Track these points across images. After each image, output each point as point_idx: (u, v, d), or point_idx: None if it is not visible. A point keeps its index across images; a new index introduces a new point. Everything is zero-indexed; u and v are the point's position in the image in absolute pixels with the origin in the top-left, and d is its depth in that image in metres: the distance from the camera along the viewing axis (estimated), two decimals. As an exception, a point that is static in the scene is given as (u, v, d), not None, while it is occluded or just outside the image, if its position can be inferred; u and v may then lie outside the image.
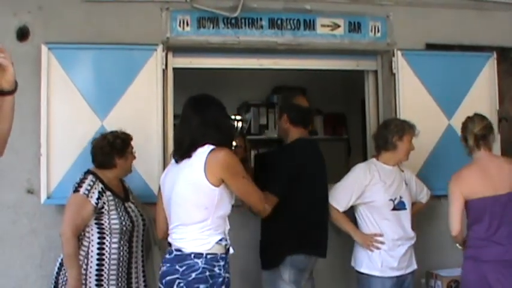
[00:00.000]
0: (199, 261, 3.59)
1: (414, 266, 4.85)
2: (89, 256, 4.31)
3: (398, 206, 4.76)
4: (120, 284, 4.38)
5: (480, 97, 5.69)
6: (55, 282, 4.37)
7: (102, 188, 4.36)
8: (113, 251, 4.34)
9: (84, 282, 4.26)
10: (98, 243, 4.32)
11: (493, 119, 5.62)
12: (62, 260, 4.33)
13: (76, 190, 4.32)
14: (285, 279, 4.67)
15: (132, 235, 4.45)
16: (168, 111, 5.30)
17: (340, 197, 4.78)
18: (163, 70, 5.24)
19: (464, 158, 4.65)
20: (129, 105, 5.10)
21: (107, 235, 4.33)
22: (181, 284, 3.58)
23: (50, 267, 4.47)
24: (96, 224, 4.32)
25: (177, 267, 3.63)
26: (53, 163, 4.98)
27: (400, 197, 4.78)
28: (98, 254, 4.31)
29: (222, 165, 3.60)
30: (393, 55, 5.59)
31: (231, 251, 3.76)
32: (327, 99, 8.08)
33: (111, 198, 4.39)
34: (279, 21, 5.50)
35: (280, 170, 4.74)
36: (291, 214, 4.67)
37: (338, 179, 5.09)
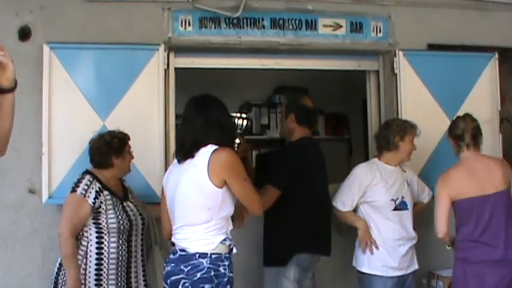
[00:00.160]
0: (204, 261, 3.59)
1: (415, 266, 4.84)
2: (88, 256, 4.32)
3: (400, 206, 4.75)
4: (119, 284, 4.39)
5: (482, 97, 5.68)
6: (55, 282, 4.38)
7: (99, 188, 4.37)
8: (112, 250, 4.35)
9: (83, 282, 4.27)
10: (97, 242, 4.33)
11: (495, 120, 5.65)
12: (61, 260, 4.34)
13: (73, 190, 4.34)
14: (289, 277, 4.71)
15: (130, 234, 4.46)
16: (170, 111, 5.31)
17: (344, 199, 4.78)
18: (165, 70, 5.24)
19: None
20: (131, 105, 5.10)
21: (105, 234, 4.34)
22: (187, 284, 3.59)
23: (51, 266, 4.47)
24: (94, 223, 4.34)
25: (182, 267, 3.62)
26: (55, 163, 4.98)
27: (402, 197, 4.78)
28: (96, 253, 4.32)
29: (224, 165, 3.60)
30: (395, 55, 5.59)
31: (234, 250, 3.76)
32: (328, 99, 8.06)
33: (108, 197, 4.39)
34: (280, 21, 5.50)
35: (284, 165, 4.80)
36: (296, 212, 4.73)
37: (339, 179, 5.10)
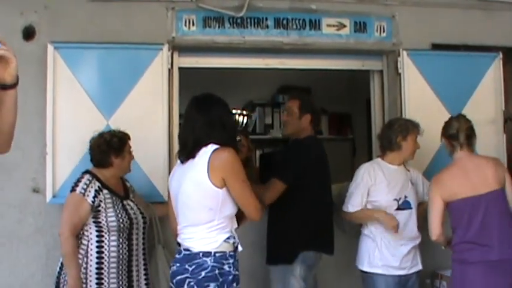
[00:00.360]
0: (208, 259, 3.59)
1: (419, 267, 4.83)
2: (89, 255, 4.33)
3: (403, 206, 4.75)
4: (120, 282, 4.40)
5: (486, 97, 5.68)
6: (57, 282, 4.40)
7: (98, 187, 4.38)
8: (112, 249, 4.36)
9: (84, 280, 4.29)
10: (97, 241, 4.35)
11: (499, 120, 5.65)
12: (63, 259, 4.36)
13: (73, 190, 4.37)
14: (295, 275, 4.73)
15: (131, 233, 4.47)
16: (174, 110, 5.32)
17: (351, 201, 4.77)
18: (169, 70, 5.25)
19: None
20: (135, 104, 5.11)
21: (105, 233, 4.35)
22: (192, 283, 3.59)
23: (55, 266, 4.47)
24: (94, 222, 4.35)
25: (186, 266, 3.63)
26: (59, 162, 5.00)
27: (405, 197, 4.77)
28: (97, 252, 4.34)
29: (223, 164, 3.59)
30: (399, 55, 5.59)
31: (240, 248, 3.75)
32: (332, 99, 8.07)
33: (108, 196, 4.41)
34: (284, 21, 5.50)
35: (291, 162, 4.84)
36: (301, 210, 4.77)
37: (343, 179, 5.13)
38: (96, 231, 4.35)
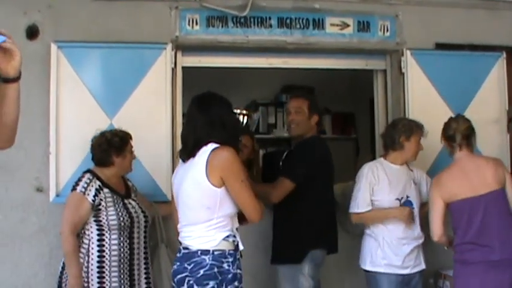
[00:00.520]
0: (206, 257, 3.59)
1: (422, 266, 4.83)
2: (90, 254, 4.35)
3: (405, 205, 4.75)
4: (122, 281, 4.41)
5: (489, 97, 5.68)
6: (59, 282, 4.41)
7: (99, 186, 4.40)
8: (113, 247, 4.37)
9: (86, 279, 4.31)
10: (98, 240, 4.37)
11: (503, 119, 5.64)
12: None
13: (73, 189, 4.39)
14: (304, 274, 4.77)
15: (132, 231, 4.48)
16: (177, 110, 5.32)
17: (359, 201, 4.75)
18: (173, 69, 5.25)
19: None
20: (138, 104, 5.11)
21: (106, 231, 4.37)
22: (191, 282, 3.59)
23: (58, 265, 4.47)
24: (94, 221, 4.37)
25: (185, 265, 3.63)
26: (62, 161, 5.00)
27: (407, 197, 4.77)
28: (98, 251, 4.36)
29: (222, 164, 3.58)
30: (402, 54, 5.59)
31: (241, 247, 3.74)
32: (335, 98, 8.07)
33: (108, 195, 4.42)
34: (288, 20, 5.49)
35: (300, 161, 4.86)
36: (309, 209, 4.81)
37: (346, 179, 5.14)
38: (97, 229, 4.37)
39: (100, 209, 4.36)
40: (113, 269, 4.36)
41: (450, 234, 4.56)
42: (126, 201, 4.53)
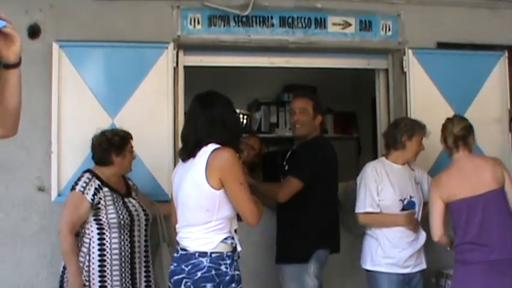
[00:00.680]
0: (204, 260, 3.57)
1: (423, 266, 4.83)
2: (91, 252, 4.36)
3: (408, 206, 4.75)
4: (124, 279, 4.42)
5: (491, 96, 5.68)
6: (60, 281, 4.42)
7: (98, 185, 4.41)
8: (114, 246, 4.38)
9: (87, 278, 4.33)
10: (98, 239, 4.38)
11: (504, 119, 5.63)
12: None
13: (72, 188, 4.41)
14: (310, 273, 4.78)
15: (132, 229, 4.49)
16: (179, 109, 5.32)
17: (367, 201, 4.74)
18: (174, 68, 5.26)
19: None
20: (140, 103, 5.11)
21: (106, 230, 4.38)
22: (188, 283, 3.58)
23: (60, 264, 4.47)
24: (94, 220, 4.39)
25: (183, 266, 3.62)
26: (64, 161, 5.01)
27: (410, 197, 4.77)
28: (99, 249, 4.37)
29: (221, 165, 3.55)
30: (404, 54, 5.59)
31: (239, 248, 3.72)
32: (337, 97, 8.06)
33: (108, 194, 4.43)
34: (290, 20, 5.50)
35: (309, 161, 4.87)
36: (315, 209, 4.84)
37: (348, 178, 5.13)
38: (98, 228, 4.38)
39: (99, 208, 4.37)
40: (114, 267, 4.37)
41: (451, 234, 4.55)
42: (126, 199, 4.54)
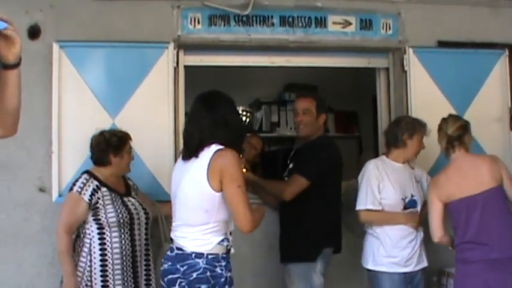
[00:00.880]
0: (200, 261, 3.57)
1: (424, 264, 4.82)
2: (92, 252, 4.38)
3: (409, 205, 4.75)
4: (125, 278, 4.43)
5: (492, 94, 5.67)
6: (62, 282, 4.40)
7: (96, 185, 4.42)
8: (115, 245, 4.40)
9: (89, 277, 4.35)
10: (99, 238, 4.39)
11: (505, 117, 5.62)
12: None
13: (70, 189, 4.44)
14: (317, 271, 4.80)
15: (132, 228, 4.49)
16: (180, 109, 5.32)
17: (368, 198, 4.73)
18: (175, 68, 5.27)
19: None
20: (141, 103, 5.12)
21: (106, 229, 4.39)
22: (183, 284, 3.57)
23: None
24: (94, 220, 4.40)
25: (178, 266, 3.61)
26: (65, 161, 5.02)
27: (412, 196, 4.77)
28: (100, 249, 4.38)
29: (222, 165, 3.54)
30: (405, 52, 5.58)
31: (232, 251, 3.74)
32: (338, 97, 8.06)
33: (106, 193, 4.44)
34: (290, 19, 5.49)
35: (314, 160, 4.88)
36: (321, 208, 4.85)
37: (349, 177, 5.13)
38: (98, 228, 4.39)
39: (98, 208, 4.38)
40: (116, 266, 4.38)
41: (451, 234, 4.55)
42: (125, 198, 4.55)
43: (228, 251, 3.71)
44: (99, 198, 4.38)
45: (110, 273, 4.36)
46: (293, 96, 7.99)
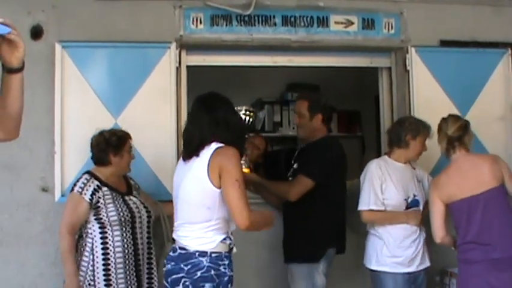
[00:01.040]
0: (204, 259, 3.59)
1: (427, 264, 4.82)
2: (94, 252, 4.39)
3: (412, 205, 4.76)
4: (128, 277, 4.44)
5: (494, 94, 5.66)
6: (64, 281, 4.40)
7: (97, 185, 4.43)
8: (117, 243, 4.41)
9: (92, 277, 4.36)
10: (101, 237, 4.40)
11: (508, 116, 5.61)
12: None
13: (71, 190, 4.46)
14: (320, 271, 4.81)
15: (134, 226, 4.50)
16: (182, 109, 5.31)
17: (371, 198, 4.73)
18: (177, 68, 5.26)
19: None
20: (143, 103, 5.12)
21: (108, 228, 4.40)
22: (187, 283, 3.59)
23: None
24: (95, 219, 4.41)
25: (182, 266, 3.63)
26: (67, 161, 5.02)
27: (414, 196, 4.78)
28: (102, 248, 4.39)
29: (221, 160, 3.58)
30: (407, 52, 5.57)
31: (234, 250, 3.76)
32: (341, 96, 8.02)
33: (107, 193, 4.46)
34: (292, 19, 5.49)
35: (319, 161, 4.89)
36: (326, 208, 4.86)
37: (352, 177, 5.12)
38: (99, 227, 4.40)
39: (99, 207, 4.40)
40: (118, 265, 4.39)
41: (453, 234, 4.55)
42: (126, 197, 4.56)
43: (231, 249, 3.73)
44: (99, 197, 4.40)
45: (112, 271, 4.37)
46: (295, 96, 7.97)
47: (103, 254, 4.37)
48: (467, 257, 4.38)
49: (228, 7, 5.34)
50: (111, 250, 4.38)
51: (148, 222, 4.63)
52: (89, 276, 4.35)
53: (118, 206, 4.44)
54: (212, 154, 3.60)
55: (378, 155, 5.80)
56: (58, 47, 5.03)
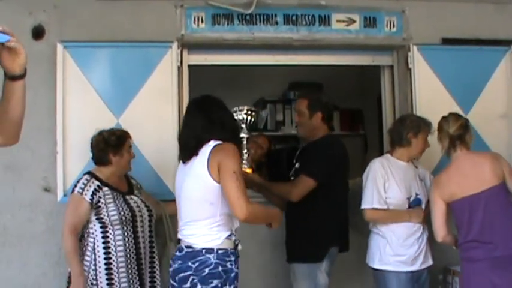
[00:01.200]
0: (211, 256, 3.62)
1: (430, 262, 4.81)
2: (96, 251, 4.40)
3: (414, 203, 4.74)
4: (130, 276, 4.44)
5: (497, 92, 5.64)
6: (68, 281, 4.43)
7: (98, 185, 4.45)
8: (118, 243, 4.42)
9: (94, 276, 4.38)
10: (102, 237, 4.42)
11: (510, 114, 5.60)
12: None
13: (72, 190, 4.48)
14: (322, 270, 4.79)
15: (135, 225, 4.51)
16: (184, 108, 5.26)
17: (374, 197, 4.71)
18: (179, 67, 5.26)
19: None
20: (145, 102, 5.13)
21: (109, 228, 4.42)
22: (195, 280, 3.61)
23: (67, 264, 4.49)
24: (96, 219, 4.43)
25: (189, 264, 3.65)
26: (69, 161, 5.03)
27: (416, 194, 4.77)
28: (104, 247, 4.41)
29: (220, 153, 3.62)
30: (409, 50, 5.57)
31: (240, 246, 3.78)
32: (343, 95, 8.02)
33: (108, 192, 4.47)
34: (294, 17, 5.48)
35: (321, 160, 4.86)
36: (328, 208, 4.84)
37: (355, 175, 5.11)
38: (100, 227, 4.42)
39: (100, 207, 4.41)
40: (120, 264, 4.40)
41: (455, 233, 4.54)
42: (127, 197, 4.57)
43: (236, 246, 3.76)
44: (100, 197, 4.41)
45: (114, 270, 4.38)
46: (298, 95, 7.99)
47: (105, 254, 4.38)
48: (470, 255, 4.38)
49: (230, 6, 5.33)
50: (112, 249, 4.39)
51: (150, 221, 4.63)
52: (91, 275, 4.37)
53: (118, 205, 4.44)
54: (211, 150, 3.65)
55: (380, 153, 5.79)
56: (60, 47, 5.04)
